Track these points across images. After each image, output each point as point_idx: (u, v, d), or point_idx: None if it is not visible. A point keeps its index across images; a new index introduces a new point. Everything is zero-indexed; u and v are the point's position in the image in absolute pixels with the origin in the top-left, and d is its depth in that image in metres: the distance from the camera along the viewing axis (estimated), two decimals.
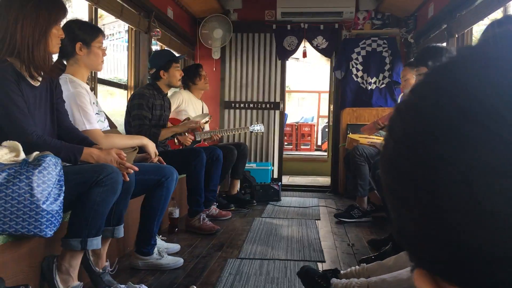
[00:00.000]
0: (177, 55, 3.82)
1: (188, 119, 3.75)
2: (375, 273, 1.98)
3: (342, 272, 2.11)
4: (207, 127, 4.20)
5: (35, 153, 1.72)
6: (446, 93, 0.32)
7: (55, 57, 2.28)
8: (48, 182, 1.66)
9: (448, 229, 0.31)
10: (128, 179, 2.04)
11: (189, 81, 4.38)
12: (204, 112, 4.48)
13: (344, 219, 3.90)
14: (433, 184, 0.31)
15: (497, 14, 3.30)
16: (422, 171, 0.32)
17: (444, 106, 0.31)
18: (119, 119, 3.74)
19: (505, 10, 3.10)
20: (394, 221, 0.36)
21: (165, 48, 4.70)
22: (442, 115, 0.31)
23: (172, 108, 4.05)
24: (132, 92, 3.94)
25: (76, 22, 2.41)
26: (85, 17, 3.32)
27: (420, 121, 0.33)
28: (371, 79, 5.47)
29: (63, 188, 1.72)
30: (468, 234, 0.30)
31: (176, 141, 3.77)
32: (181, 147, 3.79)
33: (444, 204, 0.31)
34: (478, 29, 3.76)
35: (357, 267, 2.12)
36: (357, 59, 5.50)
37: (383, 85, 5.46)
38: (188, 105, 4.28)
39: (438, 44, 2.83)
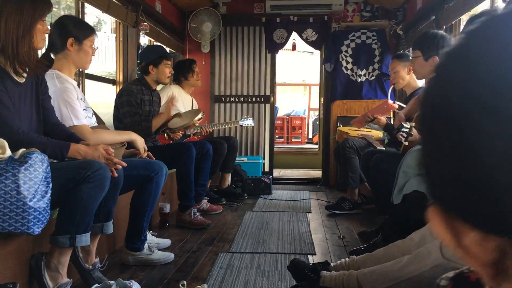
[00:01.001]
0: (168, 51, 3.79)
1: (178, 114, 3.72)
2: (365, 265, 1.99)
3: (332, 264, 2.12)
4: (197, 124, 4.18)
5: (21, 150, 1.70)
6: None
7: (43, 55, 2.27)
8: (34, 179, 1.64)
9: (477, 167, 0.34)
10: (116, 175, 2.03)
11: (181, 76, 4.36)
12: (194, 107, 4.46)
13: (335, 211, 3.92)
14: (463, 122, 0.34)
15: (485, 5, 3.31)
16: (457, 113, 0.35)
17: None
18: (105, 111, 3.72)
19: (492, 1, 3.11)
20: (425, 160, 0.40)
21: (158, 44, 4.67)
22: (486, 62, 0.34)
23: (162, 101, 4.02)
24: (120, 87, 3.92)
25: (71, 18, 2.42)
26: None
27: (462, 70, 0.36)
28: (361, 71, 5.48)
29: (50, 185, 1.71)
30: (499, 173, 0.33)
31: (166, 136, 3.76)
32: (171, 141, 3.78)
33: (476, 142, 0.34)
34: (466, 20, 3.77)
35: (346, 259, 2.13)
36: (346, 51, 5.50)
37: (372, 78, 5.47)
38: (177, 100, 4.25)
39: (432, 30, 2.84)
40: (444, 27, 3.86)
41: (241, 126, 4.49)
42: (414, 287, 1.69)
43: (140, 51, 4.24)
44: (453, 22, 3.79)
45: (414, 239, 1.91)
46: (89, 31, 2.41)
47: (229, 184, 4.65)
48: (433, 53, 2.75)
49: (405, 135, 2.55)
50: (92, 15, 5.43)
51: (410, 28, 4.89)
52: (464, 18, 3.65)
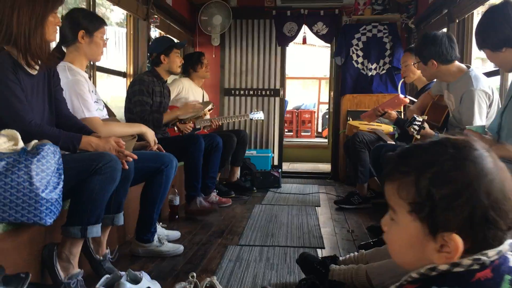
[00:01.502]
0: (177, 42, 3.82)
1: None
2: (374, 259, 1.99)
3: (341, 258, 2.13)
4: (208, 115, 4.20)
5: (34, 142, 1.72)
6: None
7: (53, 46, 2.28)
8: (47, 170, 1.65)
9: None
10: (127, 167, 2.04)
11: (190, 68, 4.38)
12: (205, 99, 4.47)
13: (344, 206, 3.91)
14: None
15: None
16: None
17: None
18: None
19: None
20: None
21: (166, 35, 4.69)
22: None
23: (172, 96, 4.05)
24: (130, 80, 3.94)
25: (81, 11, 2.44)
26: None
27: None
28: (372, 65, 5.44)
29: (62, 177, 1.72)
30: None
31: (175, 128, 3.78)
32: (180, 134, 3.80)
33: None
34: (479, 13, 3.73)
35: (355, 253, 2.14)
36: (357, 45, 5.47)
37: (383, 71, 5.44)
38: (188, 92, 4.27)
39: (435, 32, 2.80)
40: (457, 21, 3.82)
41: (251, 119, 4.49)
42: None
43: (150, 43, 4.26)
44: (466, 16, 3.75)
45: None
46: (100, 23, 2.43)
47: (238, 177, 4.66)
48: (429, 58, 2.75)
49: (417, 128, 2.53)
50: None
51: (421, 21, 4.85)
52: (479, 11, 3.61)
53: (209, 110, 3.92)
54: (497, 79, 3.18)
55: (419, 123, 2.54)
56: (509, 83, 2.97)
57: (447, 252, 0.76)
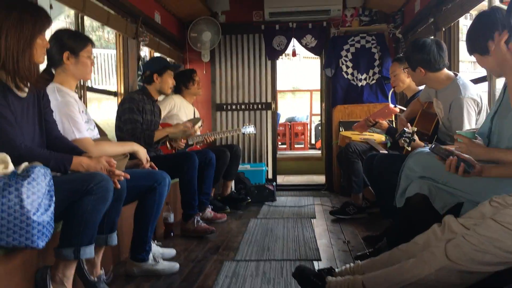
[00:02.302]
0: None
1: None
2: (370, 270, 1.98)
3: (337, 270, 2.12)
4: (199, 131, 4.20)
5: (24, 164, 1.71)
6: None
7: (42, 67, 2.28)
8: (37, 193, 1.64)
9: None
10: (119, 186, 2.03)
11: (182, 85, 4.39)
12: (196, 116, 4.48)
13: (339, 216, 3.91)
14: None
15: (483, 6, 3.32)
16: None
17: None
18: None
19: (490, 2, 3.12)
20: None
21: (162, 56, 4.74)
22: None
23: (164, 113, 4.05)
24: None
25: (65, 32, 2.39)
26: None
27: None
28: (361, 75, 5.48)
29: (54, 198, 1.71)
30: None
31: (168, 145, 3.77)
32: (173, 151, 3.79)
33: None
34: (464, 22, 3.78)
35: (351, 264, 2.12)
36: (346, 56, 5.51)
37: (373, 81, 5.48)
38: (179, 109, 4.28)
39: (424, 38, 2.83)
40: (443, 29, 3.87)
41: (243, 134, 4.50)
42: None
43: (140, 62, 4.28)
44: (452, 24, 3.80)
45: (418, 242, 1.90)
46: (85, 42, 2.39)
47: (232, 190, 4.66)
48: (417, 65, 2.78)
49: (408, 140, 2.54)
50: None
51: (409, 31, 4.91)
52: (467, 17, 3.65)
53: (199, 127, 3.92)
54: (485, 86, 3.21)
55: (409, 135, 2.55)
56: (497, 89, 3.00)
57: None
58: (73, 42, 2.34)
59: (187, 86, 4.41)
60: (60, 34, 2.35)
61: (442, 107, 2.77)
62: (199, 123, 3.85)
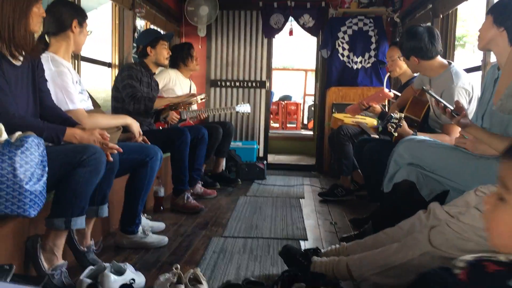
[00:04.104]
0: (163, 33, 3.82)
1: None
2: (355, 252, 2.03)
3: (323, 250, 2.17)
4: (195, 106, 4.20)
5: (18, 134, 1.71)
6: None
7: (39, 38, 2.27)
8: (31, 162, 1.65)
9: None
10: (111, 159, 2.05)
11: (180, 62, 4.36)
12: (192, 91, 4.47)
13: (328, 198, 3.96)
14: None
15: None
16: None
17: None
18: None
19: None
20: None
21: (153, 28, 4.68)
22: None
23: (160, 86, 4.04)
24: (117, 70, 3.93)
25: (69, 2, 2.51)
26: None
27: None
28: (357, 58, 5.48)
29: (46, 169, 1.72)
30: None
31: (162, 118, 3.78)
32: (166, 125, 3.80)
33: None
34: (462, 10, 3.77)
35: (337, 245, 2.17)
36: (343, 38, 5.49)
37: (368, 65, 5.48)
38: (175, 84, 4.27)
39: (417, 25, 2.82)
40: (441, 16, 3.87)
41: (237, 112, 4.51)
42: (402, 274, 1.73)
43: (136, 33, 4.24)
44: (450, 11, 3.80)
45: (403, 227, 1.95)
46: (86, 15, 2.47)
47: (223, 169, 4.68)
48: (410, 53, 2.79)
49: (394, 126, 2.56)
50: None
51: (407, 15, 4.89)
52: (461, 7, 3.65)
53: (201, 99, 3.93)
54: (478, 75, 3.23)
55: (396, 120, 2.56)
56: None
57: None
58: (80, 13, 2.42)
59: (186, 63, 4.38)
60: (66, 1, 2.41)
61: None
62: (202, 95, 3.87)
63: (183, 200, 3.42)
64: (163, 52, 3.59)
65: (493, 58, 3.00)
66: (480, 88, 2.46)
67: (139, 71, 3.47)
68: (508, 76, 1.72)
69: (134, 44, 4.26)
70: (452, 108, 2.04)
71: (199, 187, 3.92)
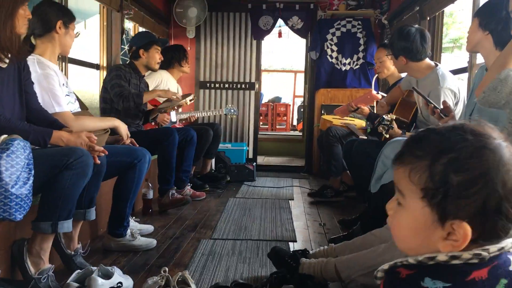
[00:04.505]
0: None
1: (168, 100, 3.75)
2: (343, 253, 2.04)
3: (311, 252, 2.17)
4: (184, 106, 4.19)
5: (3, 137, 1.70)
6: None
7: (24, 40, 2.25)
8: (16, 166, 1.64)
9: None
10: (98, 162, 2.04)
11: (175, 62, 4.35)
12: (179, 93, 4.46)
13: (317, 198, 3.97)
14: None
15: None
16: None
17: None
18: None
19: None
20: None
21: (149, 31, 4.67)
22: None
23: (151, 88, 4.02)
24: (104, 72, 3.91)
25: (56, 3, 2.47)
26: None
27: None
28: (346, 60, 5.51)
29: (32, 172, 1.71)
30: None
31: (153, 123, 3.77)
32: (156, 126, 3.79)
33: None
34: (448, 12, 3.81)
35: (325, 247, 2.18)
36: (332, 39, 5.52)
37: (357, 66, 5.51)
38: (166, 85, 4.26)
39: (409, 26, 2.85)
40: (428, 18, 3.90)
41: (226, 115, 4.53)
42: None
43: (124, 35, 4.22)
44: (437, 13, 3.83)
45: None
46: (73, 16, 2.44)
47: (212, 169, 4.68)
48: (399, 53, 2.81)
49: (386, 127, 2.58)
50: None
51: (395, 17, 4.93)
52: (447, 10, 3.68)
53: (190, 100, 3.91)
54: (465, 77, 3.26)
55: (388, 122, 2.59)
56: None
57: (454, 240, 0.75)
58: (65, 14, 2.39)
59: (181, 63, 4.38)
60: (50, 4, 2.38)
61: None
62: (191, 97, 3.85)
63: (168, 197, 3.43)
64: (155, 57, 3.58)
65: (479, 60, 3.04)
66: (467, 88, 2.48)
67: (128, 72, 3.46)
68: (496, 69, 1.74)
69: (123, 46, 4.24)
70: (441, 108, 2.06)
71: (188, 189, 3.90)
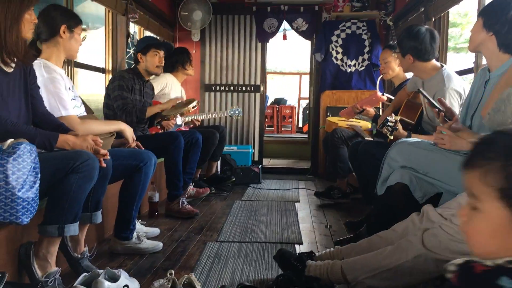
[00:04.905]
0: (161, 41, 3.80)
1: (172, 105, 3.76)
2: (349, 255, 2.03)
3: (317, 254, 2.17)
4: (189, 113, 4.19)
5: (10, 141, 1.71)
6: None
7: (30, 44, 2.26)
8: (23, 169, 1.65)
9: None
10: (104, 165, 2.04)
11: (179, 65, 4.36)
12: (183, 97, 4.46)
13: (323, 198, 3.96)
14: None
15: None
16: None
17: None
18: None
19: None
20: None
21: (151, 35, 4.68)
22: None
23: (156, 91, 4.02)
24: (110, 76, 3.92)
25: (61, 7, 2.46)
26: None
27: None
28: (351, 61, 5.50)
29: (39, 175, 1.72)
30: None
31: (158, 126, 3.77)
32: (161, 130, 3.79)
33: None
34: (454, 12, 3.79)
35: (332, 249, 2.18)
36: (337, 41, 5.52)
37: (362, 68, 5.50)
38: (171, 89, 4.26)
39: (419, 25, 2.84)
40: (433, 19, 3.89)
41: (231, 116, 4.53)
42: (395, 276, 1.73)
43: (129, 39, 4.24)
44: (442, 14, 3.82)
45: (397, 230, 1.95)
46: (78, 20, 2.44)
47: (217, 172, 4.69)
48: (407, 51, 2.80)
49: (390, 129, 2.57)
50: None
51: (399, 19, 4.92)
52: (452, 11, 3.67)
53: (193, 107, 3.89)
54: (471, 77, 3.25)
55: (392, 124, 2.58)
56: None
57: None
58: (69, 18, 2.40)
59: (185, 66, 4.38)
60: (55, 9, 2.38)
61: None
62: (194, 103, 3.84)
63: (178, 205, 3.42)
64: (153, 60, 3.52)
65: (485, 61, 3.02)
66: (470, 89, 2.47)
67: (131, 79, 3.42)
68: (498, 90, 1.73)
69: (128, 50, 4.26)
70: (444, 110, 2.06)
71: (191, 189, 3.91)
